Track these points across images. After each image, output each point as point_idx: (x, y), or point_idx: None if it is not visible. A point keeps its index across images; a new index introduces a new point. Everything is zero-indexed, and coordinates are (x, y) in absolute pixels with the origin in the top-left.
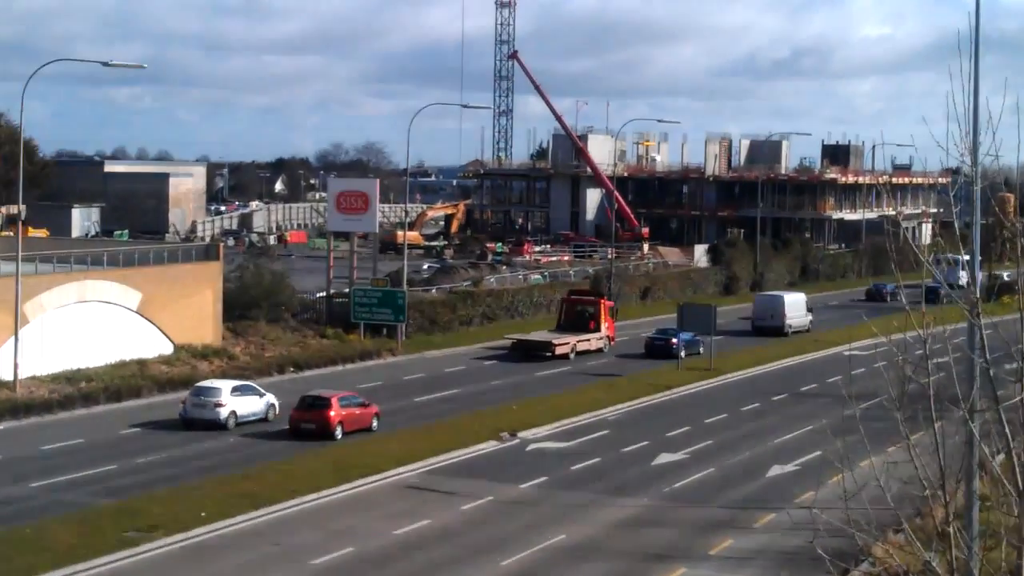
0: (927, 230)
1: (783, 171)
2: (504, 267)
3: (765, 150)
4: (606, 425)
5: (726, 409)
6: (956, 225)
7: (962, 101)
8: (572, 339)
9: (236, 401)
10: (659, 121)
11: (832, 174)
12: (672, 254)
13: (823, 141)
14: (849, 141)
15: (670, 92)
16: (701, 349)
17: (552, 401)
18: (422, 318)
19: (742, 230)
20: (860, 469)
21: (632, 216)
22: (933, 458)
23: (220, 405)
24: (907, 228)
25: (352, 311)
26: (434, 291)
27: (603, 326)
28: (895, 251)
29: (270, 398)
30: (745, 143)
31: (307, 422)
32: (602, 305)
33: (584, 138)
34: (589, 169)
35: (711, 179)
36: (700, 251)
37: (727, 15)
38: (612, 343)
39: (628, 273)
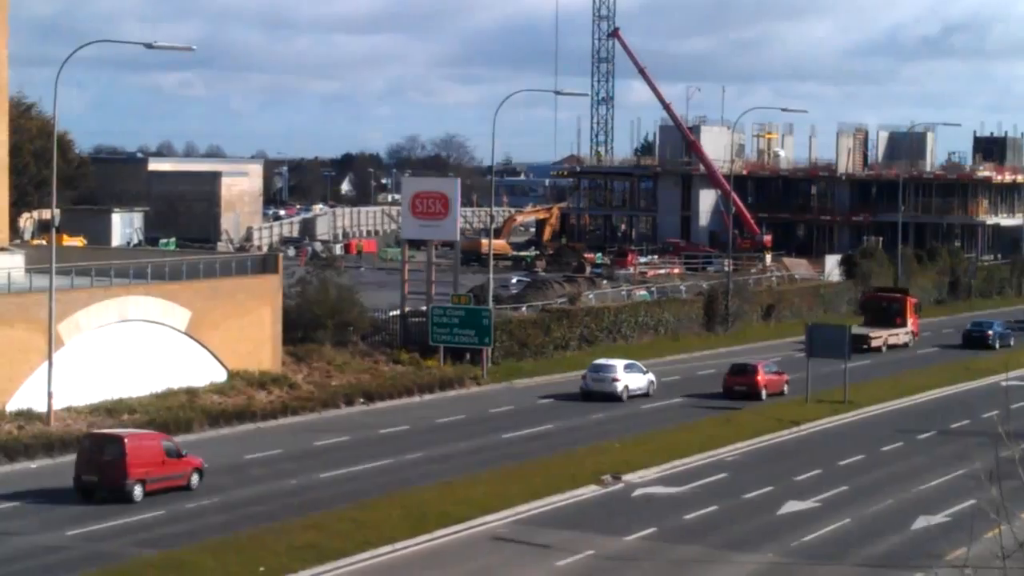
0: None
1: (928, 168)
2: (605, 281)
3: (907, 144)
4: (724, 467)
5: (863, 449)
6: None
7: None
8: (884, 333)
9: (628, 377)
10: (783, 110)
11: (986, 172)
12: (799, 266)
13: (975, 133)
14: (1006, 133)
15: (797, 76)
16: (1012, 341)
17: (661, 439)
18: (511, 341)
19: (880, 238)
20: (1021, 521)
21: (752, 222)
22: None
23: (616, 380)
24: None
25: (430, 333)
26: (524, 309)
27: (908, 321)
28: None
29: (651, 375)
30: (884, 136)
31: (740, 385)
32: (908, 302)
33: (696, 130)
34: (702, 166)
35: (844, 178)
36: (831, 262)
37: None
38: (916, 338)
39: (748, 289)
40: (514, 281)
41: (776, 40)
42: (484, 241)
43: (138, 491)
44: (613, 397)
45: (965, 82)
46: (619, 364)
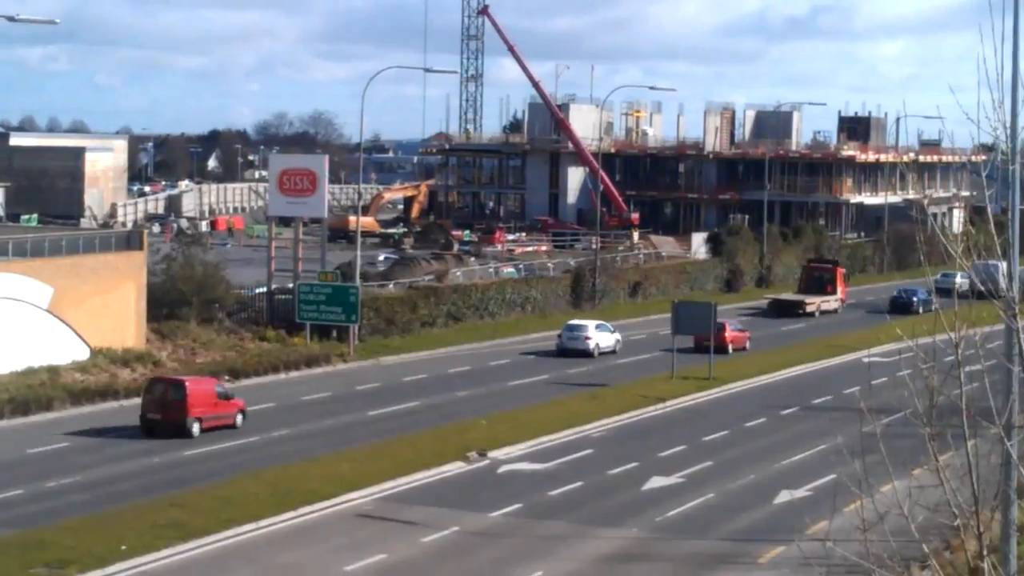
0: (958, 216)
1: (794, 147)
2: (472, 259)
3: (773, 123)
4: (589, 444)
5: (727, 425)
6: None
7: (995, 65)
8: (817, 300)
9: (598, 335)
10: (652, 88)
11: (850, 151)
12: (666, 244)
13: (840, 112)
14: (870, 113)
15: (667, 55)
16: (933, 307)
17: (527, 415)
18: (378, 318)
19: (747, 216)
20: (881, 495)
21: (620, 200)
22: (965, 482)
23: (588, 338)
24: (936, 214)
25: (297, 310)
26: (392, 286)
27: (839, 289)
28: (924, 242)
29: (617, 335)
30: (751, 114)
31: (708, 340)
32: (838, 272)
33: (565, 108)
34: (571, 144)
35: (711, 156)
36: (698, 240)
37: None
38: (843, 303)
39: (615, 266)
40: (381, 259)
41: (647, 18)
42: (352, 218)
43: (196, 428)
44: (585, 353)
45: (831, 62)
46: (590, 324)
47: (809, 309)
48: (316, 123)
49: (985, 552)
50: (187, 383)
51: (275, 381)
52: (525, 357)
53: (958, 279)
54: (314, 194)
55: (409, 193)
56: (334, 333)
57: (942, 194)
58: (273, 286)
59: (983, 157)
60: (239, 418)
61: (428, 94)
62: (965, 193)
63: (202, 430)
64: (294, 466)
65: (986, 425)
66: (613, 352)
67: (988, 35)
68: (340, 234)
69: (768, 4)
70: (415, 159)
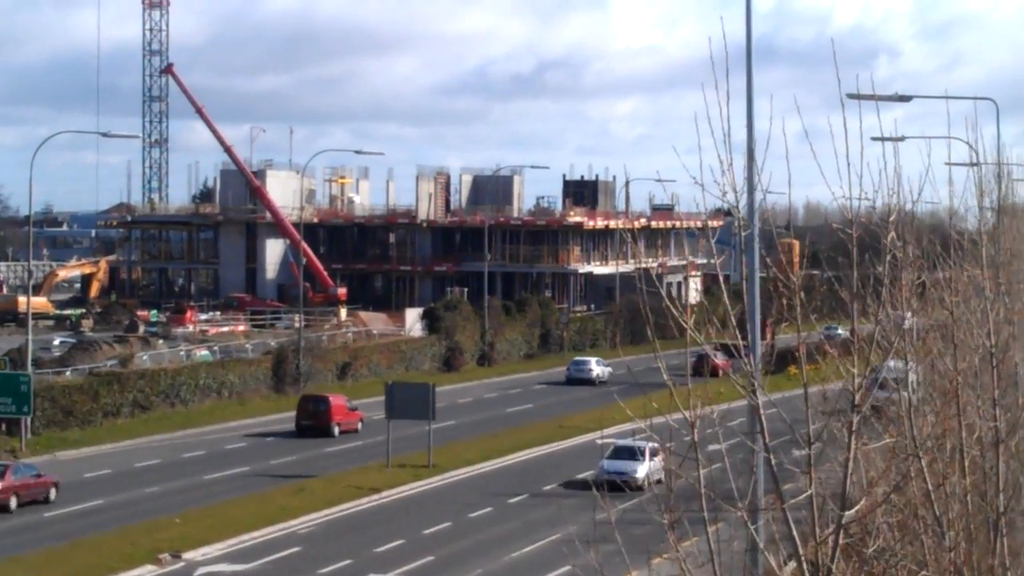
0: (695, 285)
1: (516, 214)
2: (161, 341)
3: (493, 188)
4: (296, 540)
5: (450, 516)
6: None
7: (720, 126)
8: None
9: (598, 368)
10: (358, 152)
11: (577, 217)
12: (377, 321)
13: (565, 176)
14: (597, 176)
15: (377, 116)
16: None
17: (227, 511)
18: (54, 408)
19: (466, 289)
20: None
21: (325, 273)
22: (707, 570)
23: (591, 369)
24: (672, 283)
25: None
26: (69, 373)
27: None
28: (652, 313)
29: (609, 368)
30: (468, 179)
31: (306, 419)
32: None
33: (262, 175)
34: (268, 214)
35: (424, 225)
36: (413, 316)
37: (462, 20)
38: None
39: (321, 346)
40: (57, 343)
41: (357, 77)
42: (22, 299)
43: (336, 430)
44: (589, 382)
45: (558, 122)
46: (592, 360)
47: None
48: None
49: None
50: (330, 398)
51: None
52: (223, 448)
53: (593, 366)
54: None
55: (87, 270)
56: (3, 426)
57: (676, 262)
58: None
59: (719, 223)
60: (359, 425)
61: (109, 161)
62: (700, 261)
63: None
64: None
65: (728, 509)
66: (604, 383)
67: (719, 94)
68: (9, 316)
69: (490, 60)
70: (94, 233)
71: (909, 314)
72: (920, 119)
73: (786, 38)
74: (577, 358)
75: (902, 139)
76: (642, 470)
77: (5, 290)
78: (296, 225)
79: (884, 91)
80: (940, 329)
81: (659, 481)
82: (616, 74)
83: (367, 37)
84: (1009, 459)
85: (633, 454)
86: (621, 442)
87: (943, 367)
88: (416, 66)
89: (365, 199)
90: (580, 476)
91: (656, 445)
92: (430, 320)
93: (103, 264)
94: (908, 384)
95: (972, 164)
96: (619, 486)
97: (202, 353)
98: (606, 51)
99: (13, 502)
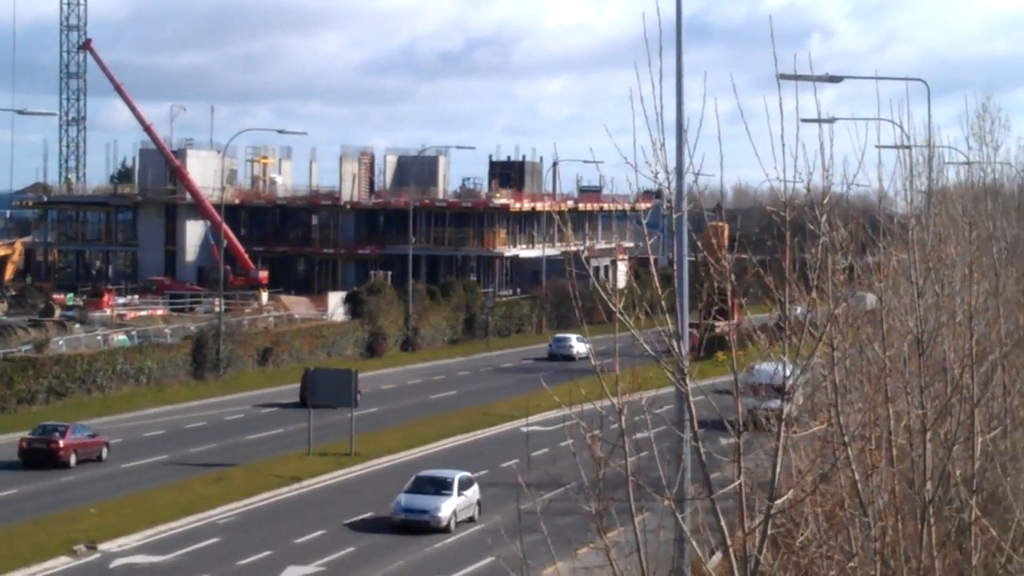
0: (623, 269)
1: (441, 196)
2: (77, 325)
3: (417, 168)
4: (215, 531)
5: (372, 506)
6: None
7: (652, 105)
8: None
9: (579, 345)
10: (280, 132)
11: (503, 199)
12: (299, 305)
13: (491, 157)
14: (524, 157)
15: (301, 95)
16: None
17: (143, 500)
18: None
19: (390, 272)
20: None
21: (246, 256)
22: (633, 560)
23: (571, 347)
24: (599, 267)
25: None
26: None
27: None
28: (580, 297)
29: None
30: (392, 160)
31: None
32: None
33: (182, 154)
34: (189, 195)
35: (348, 207)
36: (335, 300)
37: None
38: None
39: (242, 331)
40: None
41: (282, 55)
42: None
43: None
44: (570, 358)
45: (486, 101)
46: (573, 336)
47: None
48: None
49: None
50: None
51: None
52: (141, 435)
53: (574, 343)
54: None
55: (1, 252)
56: None
57: (604, 245)
58: None
59: (647, 205)
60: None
61: (25, 140)
62: (628, 244)
63: None
64: None
65: (655, 498)
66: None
67: (651, 73)
68: None
69: (418, 38)
70: (8, 213)
71: (870, 296)
72: (852, 100)
73: (719, 16)
74: (559, 335)
75: (832, 120)
76: (447, 507)
77: None
78: (217, 206)
79: (817, 71)
80: (868, 315)
81: (471, 519)
82: (546, 52)
83: (293, 13)
84: (937, 447)
85: (439, 486)
86: (425, 473)
87: (872, 354)
88: (342, 43)
89: (288, 180)
90: (505, 464)
91: (468, 474)
92: (353, 304)
93: (18, 246)
94: (832, 372)
95: (902, 147)
96: (419, 527)
97: (120, 338)
98: (536, 29)
99: None
